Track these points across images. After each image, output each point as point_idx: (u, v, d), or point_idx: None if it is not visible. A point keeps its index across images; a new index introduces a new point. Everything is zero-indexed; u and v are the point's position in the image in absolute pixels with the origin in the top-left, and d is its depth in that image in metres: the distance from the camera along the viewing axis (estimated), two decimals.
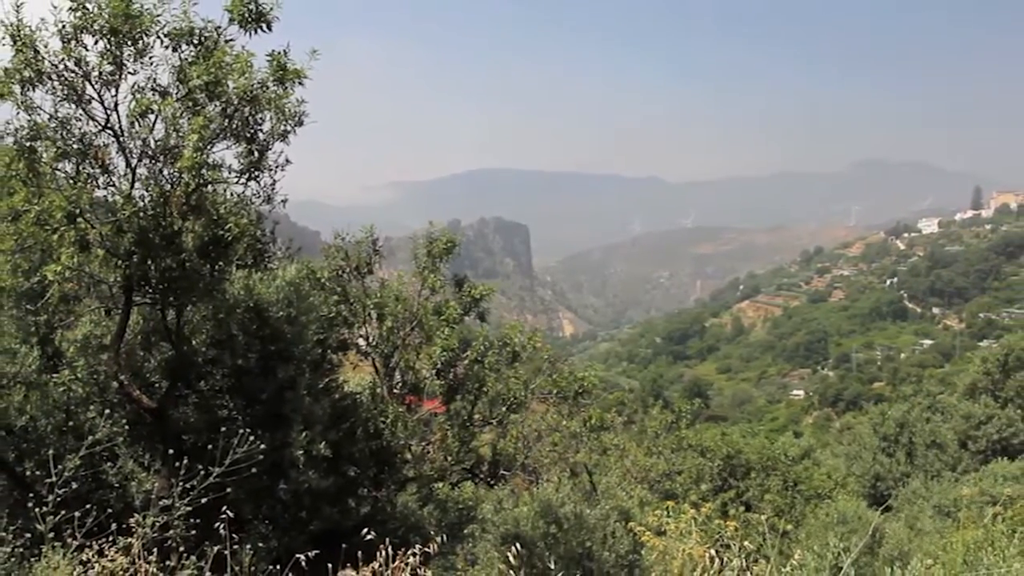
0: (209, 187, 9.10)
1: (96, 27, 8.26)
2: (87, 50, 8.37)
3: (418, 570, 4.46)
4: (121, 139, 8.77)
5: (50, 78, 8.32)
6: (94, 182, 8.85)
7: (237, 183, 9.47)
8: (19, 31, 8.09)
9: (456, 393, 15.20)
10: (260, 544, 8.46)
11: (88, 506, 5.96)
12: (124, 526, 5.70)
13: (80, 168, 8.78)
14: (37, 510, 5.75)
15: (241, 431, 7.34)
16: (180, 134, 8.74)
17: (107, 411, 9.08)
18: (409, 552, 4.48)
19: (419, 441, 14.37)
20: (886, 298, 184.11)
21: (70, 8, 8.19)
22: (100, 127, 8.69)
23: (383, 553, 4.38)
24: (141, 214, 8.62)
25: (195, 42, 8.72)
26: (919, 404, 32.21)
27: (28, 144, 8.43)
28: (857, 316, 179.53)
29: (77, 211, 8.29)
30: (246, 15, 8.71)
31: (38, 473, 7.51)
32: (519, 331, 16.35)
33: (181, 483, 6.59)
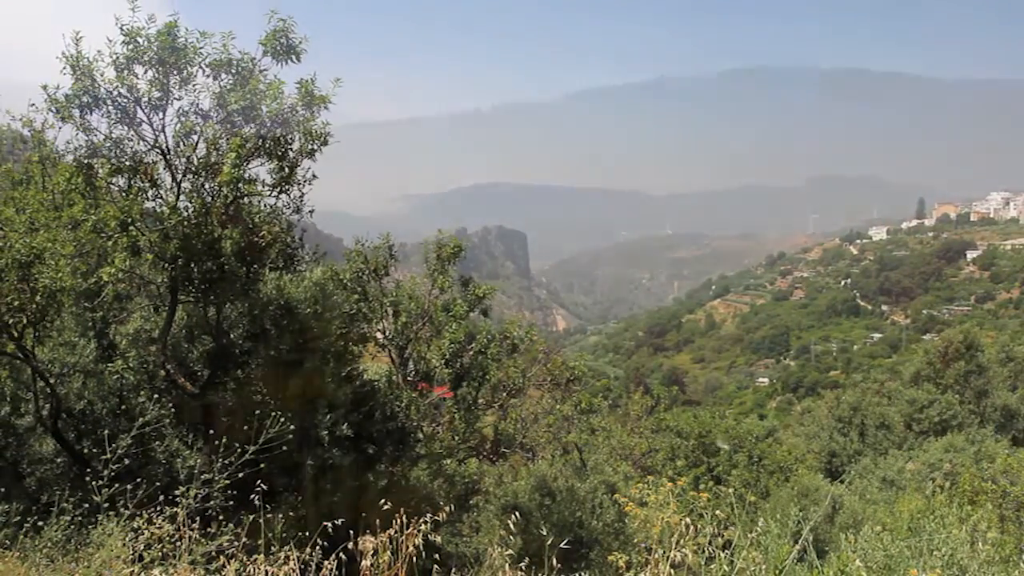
0: (245, 199, 9.12)
1: (146, 58, 8.28)
2: (138, 78, 8.39)
3: (429, 536, 4.46)
4: (168, 157, 8.78)
5: (105, 103, 8.34)
6: (144, 195, 8.87)
7: (270, 196, 9.50)
8: (78, 61, 8.12)
9: (462, 380, 15.20)
10: (290, 513, 8.45)
11: (138, 480, 5.95)
12: (170, 497, 5.69)
13: (132, 182, 8.80)
14: (94, 483, 5.75)
15: (273, 413, 7.34)
16: (219, 152, 8.76)
17: (155, 396, 9.11)
18: (421, 520, 4.48)
19: (430, 422, 14.35)
20: (841, 297, 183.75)
21: (123, 41, 8.21)
22: (149, 146, 8.71)
23: (398, 521, 4.38)
24: (185, 223, 8.64)
25: (233, 71, 8.73)
26: (870, 390, 32.28)
27: (86, 161, 8.47)
28: (815, 313, 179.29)
29: (129, 220, 8.31)
30: (278, 48, 8.75)
31: (95, 451, 7.50)
32: (518, 326, 16.36)
33: (220, 459, 6.60)
